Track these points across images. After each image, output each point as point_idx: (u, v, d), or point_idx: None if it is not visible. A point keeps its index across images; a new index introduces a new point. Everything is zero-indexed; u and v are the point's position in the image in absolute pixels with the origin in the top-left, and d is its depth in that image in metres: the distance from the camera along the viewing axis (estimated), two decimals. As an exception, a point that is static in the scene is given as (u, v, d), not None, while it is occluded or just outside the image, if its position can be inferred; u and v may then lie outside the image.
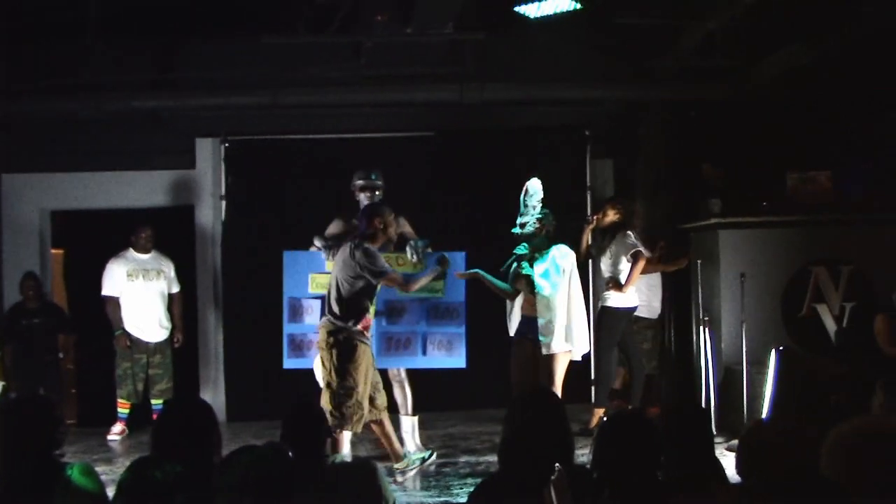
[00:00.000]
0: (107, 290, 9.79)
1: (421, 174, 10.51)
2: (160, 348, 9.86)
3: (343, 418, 7.44)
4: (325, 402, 7.49)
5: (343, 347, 7.46)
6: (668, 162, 10.40)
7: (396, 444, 7.87)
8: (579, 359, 8.30)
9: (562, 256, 7.97)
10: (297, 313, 8.33)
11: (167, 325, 9.95)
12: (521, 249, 8.13)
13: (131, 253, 9.86)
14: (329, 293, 7.65)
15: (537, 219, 8.02)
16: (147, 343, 9.80)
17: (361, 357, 7.48)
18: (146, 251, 9.88)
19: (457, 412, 10.10)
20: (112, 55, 9.92)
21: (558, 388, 7.82)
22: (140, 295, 9.79)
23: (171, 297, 10.02)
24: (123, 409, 9.78)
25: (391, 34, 9.26)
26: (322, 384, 7.68)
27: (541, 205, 8.08)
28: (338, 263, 7.66)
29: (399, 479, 7.69)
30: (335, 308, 7.54)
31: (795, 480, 3.71)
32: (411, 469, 7.77)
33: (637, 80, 10.25)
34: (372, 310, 7.78)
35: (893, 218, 9.60)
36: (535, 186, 8.11)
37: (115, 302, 9.77)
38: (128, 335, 9.73)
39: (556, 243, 8.05)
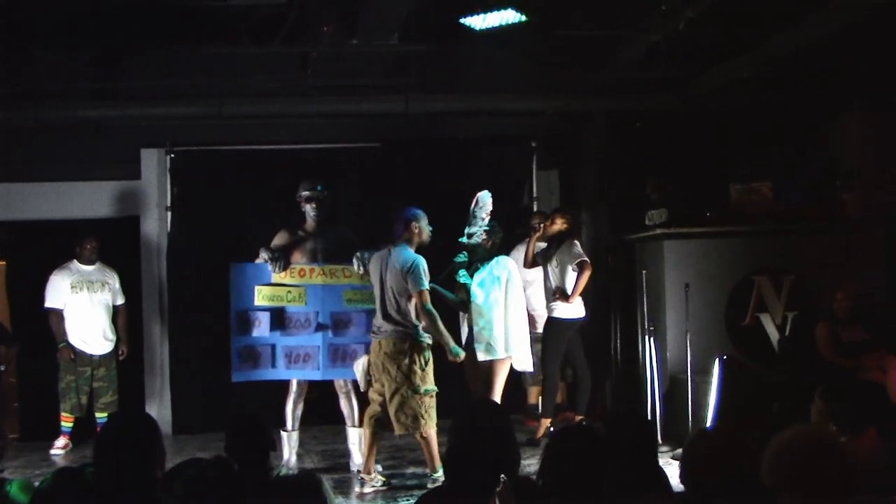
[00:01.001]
0: (50, 302, 9.67)
1: (367, 185, 10.51)
2: (104, 361, 9.75)
3: (425, 419, 7.56)
4: (396, 411, 7.55)
5: (416, 354, 7.57)
6: (612, 172, 10.47)
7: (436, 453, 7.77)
8: (519, 369, 8.35)
9: (499, 267, 7.99)
10: (244, 325, 8.27)
11: (112, 337, 9.84)
12: (461, 258, 8.17)
13: (75, 264, 9.76)
14: (384, 303, 7.67)
15: (484, 230, 8.04)
16: (91, 356, 9.69)
17: (431, 359, 7.65)
18: (91, 263, 9.78)
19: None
20: (54, 63, 9.83)
21: (496, 397, 7.82)
22: (84, 307, 9.68)
23: (115, 309, 9.93)
24: (67, 422, 9.66)
25: (337, 45, 9.25)
26: (373, 394, 7.77)
27: (489, 217, 8.10)
28: (386, 271, 7.66)
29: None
30: (396, 317, 7.59)
31: (737, 489, 3.75)
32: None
33: (581, 91, 10.31)
34: None
35: (833, 227, 9.75)
36: (485, 198, 8.13)
37: (58, 314, 9.65)
38: (71, 348, 9.61)
39: (498, 255, 8.07)
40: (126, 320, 10.03)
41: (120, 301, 9.96)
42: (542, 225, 9.45)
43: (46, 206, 10.49)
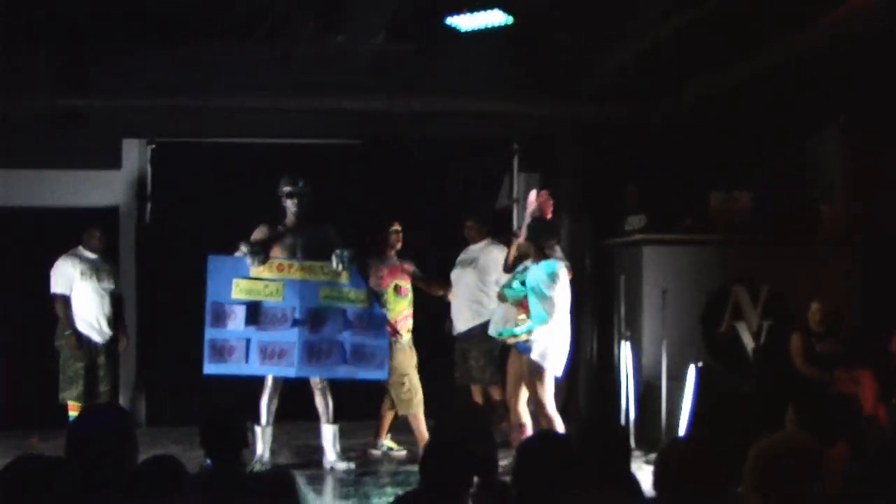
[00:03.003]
0: (58, 287, 9.34)
1: (348, 182, 10.48)
2: (104, 350, 9.47)
3: (402, 403, 8.62)
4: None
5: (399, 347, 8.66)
6: (592, 177, 10.49)
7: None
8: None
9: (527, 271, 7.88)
10: (219, 318, 8.22)
11: (113, 326, 9.70)
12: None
13: (82, 251, 9.45)
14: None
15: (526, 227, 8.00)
16: (96, 344, 9.42)
17: (396, 354, 8.52)
18: (98, 251, 9.53)
19: (378, 421, 10.06)
20: (37, 52, 9.76)
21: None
22: (92, 295, 9.38)
23: (117, 298, 9.79)
24: (74, 411, 9.43)
25: (321, 42, 9.24)
26: None
27: (533, 218, 8.02)
28: None
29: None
30: None
31: (710, 497, 3.77)
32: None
33: (563, 96, 10.34)
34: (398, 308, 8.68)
35: (810, 239, 9.81)
36: (530, 196, 8.19)
37: (65, 300, 9.34)
38: (78, 335, 9.36)
39: (546, 259, 7.83)
40: (123, 310, 9.92)
41: (119, 291, 9.83)
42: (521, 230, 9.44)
43: (24, 194, 10.40)
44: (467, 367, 9.23)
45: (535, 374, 7.68)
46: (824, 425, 4.95)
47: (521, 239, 8.02)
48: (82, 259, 9.43)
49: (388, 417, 8.99)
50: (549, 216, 8.08)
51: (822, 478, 3.54)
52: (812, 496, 3.49)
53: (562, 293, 7.66)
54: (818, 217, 9.94)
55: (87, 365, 9.34)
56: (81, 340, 9.33)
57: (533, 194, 8.18)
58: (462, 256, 9.41)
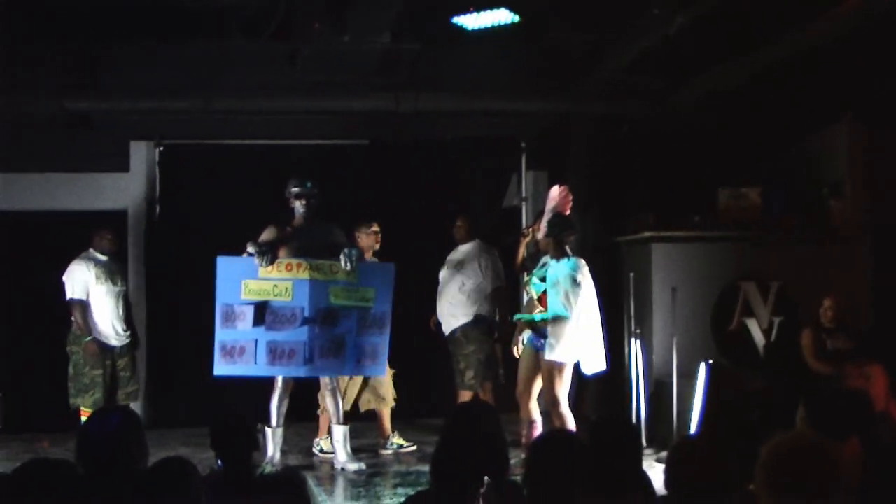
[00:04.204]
0: (75, 293, 9.09)
1: (355, 183, 10.47)
2: (124, 352, 9.32)
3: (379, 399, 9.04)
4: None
5: None
6: (600, 175, 10.46)
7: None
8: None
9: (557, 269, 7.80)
10: (228, 319, 8.21)
11: (127, 327, 9.46)
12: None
13: (94, 254, 9.25)
14: None
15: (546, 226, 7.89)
16: (114, 347, 9.25)
17: None
18: (109, 253, 9.32)
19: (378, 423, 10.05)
20: (44, 55, 9.77)
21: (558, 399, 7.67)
22: (107, 298, 9.22)
23: (128, 300, 9.70)
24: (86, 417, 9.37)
25: (327, 42, 9.23)
26: None
27: (553, 213, 7.89)
28: None
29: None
30: None
31: (720, 495, 3.75)
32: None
33: (569, 93, 10.32)
34: None
35: (820, 235, 9.78)
36: (552, 192, 8.05)
37: (82, 306, 9.09)
38: (96, 342, 9.12)
39: (566, 256, 7.78)
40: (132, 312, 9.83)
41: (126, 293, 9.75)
42: (530, 229, 9.40)
43: (32, 197, 10.43)
44: (455, 372, 9.20)
45: (553, 370, 7.64)
46: (836, 421, 4.92)
47: (541, 235, 7.96)
48: (96, 262, 9.20)
49: (385, 415, 9.05)
50: (568, 212, 7.99)
51: (836, 475, 3.52)
52: (826, 493, 3.47)
53: (586, 290, 7.63)
54: (828, 212, 9.92)
55: (105, 372, 9.13)
56: (100, 347, 9.13)
57: (555, 190, 8.06)
58: (450, 256, 9.37)
